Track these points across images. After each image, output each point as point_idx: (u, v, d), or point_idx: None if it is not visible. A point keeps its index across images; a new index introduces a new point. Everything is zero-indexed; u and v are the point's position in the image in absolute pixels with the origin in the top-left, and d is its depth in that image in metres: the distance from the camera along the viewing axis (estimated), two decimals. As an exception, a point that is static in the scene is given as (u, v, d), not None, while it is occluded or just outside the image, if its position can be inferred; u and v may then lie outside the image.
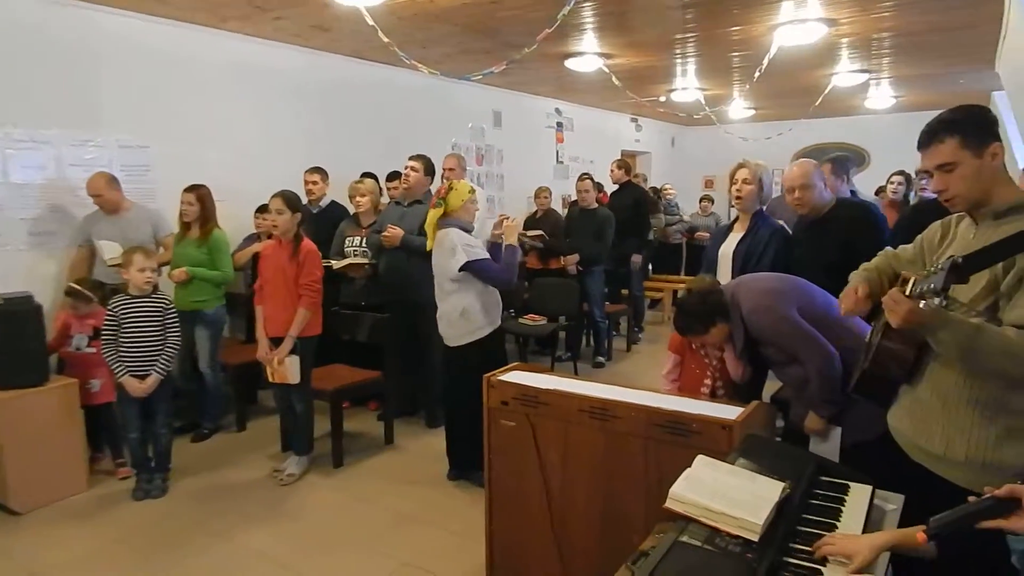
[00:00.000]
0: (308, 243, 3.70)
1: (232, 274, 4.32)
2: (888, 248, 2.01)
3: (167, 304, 3.56)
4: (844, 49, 5.84)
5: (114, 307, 3.46)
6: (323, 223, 4.78)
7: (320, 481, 3.77)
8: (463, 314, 3.46)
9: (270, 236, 4.29)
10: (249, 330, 4.93)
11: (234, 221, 4.74)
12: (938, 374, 1.70)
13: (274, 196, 3.65)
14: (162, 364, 3.48)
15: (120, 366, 3.41)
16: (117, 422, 3.72)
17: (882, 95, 8.21)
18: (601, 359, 6.20)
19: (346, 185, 5.07)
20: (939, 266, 1.54)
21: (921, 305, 1.54)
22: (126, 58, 4.49)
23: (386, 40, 3.99)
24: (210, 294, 4.22)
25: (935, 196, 1.79)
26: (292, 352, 3.63)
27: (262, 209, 4.79)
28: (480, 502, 2.72)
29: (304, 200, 4.68)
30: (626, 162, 7.00)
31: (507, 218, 3.64)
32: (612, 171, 6.69)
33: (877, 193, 6.78)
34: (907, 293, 1.58)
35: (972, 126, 1.64)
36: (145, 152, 4.64)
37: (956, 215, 1.80)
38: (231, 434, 4.47)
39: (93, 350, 3.65)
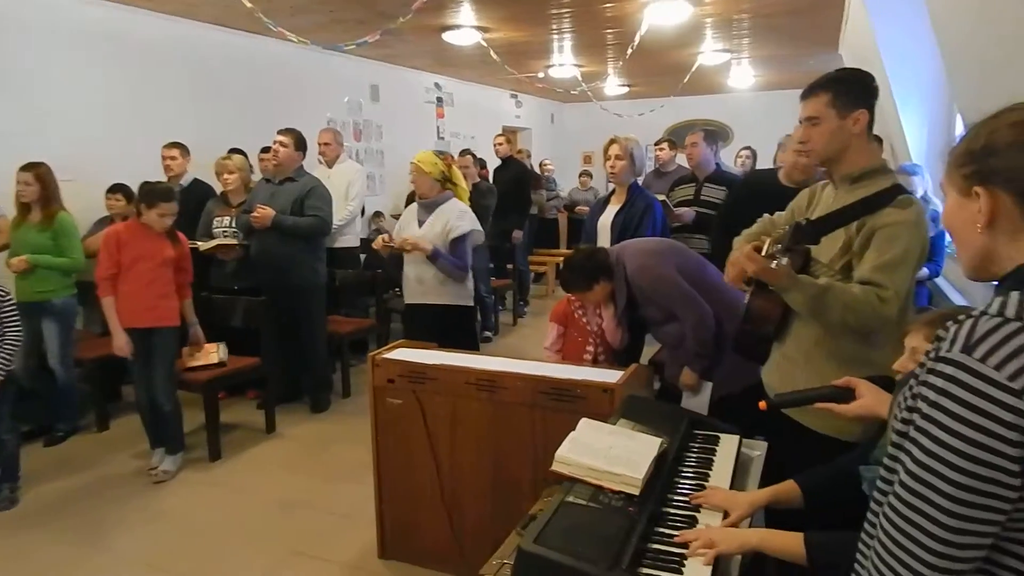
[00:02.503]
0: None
1: (83, 261, 3.92)
2: (766, 215, 2.13)
3: (2, 295, 3.18)
4: (708, 29, 6.13)
5: (-62, 301, 3.05)
6: (186, 202, 4.43)
7: (196, 477, 3.55)
8: None
9: (125, 219, 3.95)
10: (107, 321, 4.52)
11: (82, 202, 4.29)
12: (800, 331, 1.84)
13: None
14: (-1, 363, 3.12)
15: (-51, 367, 3.03)
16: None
17: (743, 74, 8.72)
18: (488, 333, 6.25)
19: (212, 163, 4.74)
20: (787, 229, 1.72)
21: (772, 264, 1.69)
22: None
23: (249, 6, 3.73)
24: (57, 283, 3.83)
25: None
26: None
27: (114, 189, 4.40)
28: (369, 483, 2.67)
29: (164, 178, 4.37)
30: (510, 137, 7.03)
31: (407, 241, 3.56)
32: (500, 145, 6.70)
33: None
34: (763, 253, 1.73)
35: (846, 89, 1.75)
36: (-31, 126, 4.10)
37: (821, 183, 1.95)
38: (91, 435, 4.10)
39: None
